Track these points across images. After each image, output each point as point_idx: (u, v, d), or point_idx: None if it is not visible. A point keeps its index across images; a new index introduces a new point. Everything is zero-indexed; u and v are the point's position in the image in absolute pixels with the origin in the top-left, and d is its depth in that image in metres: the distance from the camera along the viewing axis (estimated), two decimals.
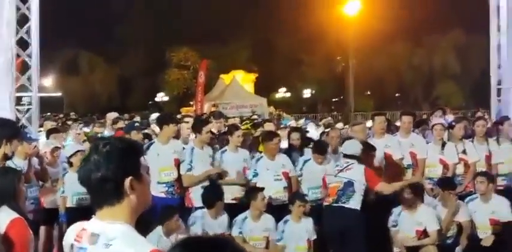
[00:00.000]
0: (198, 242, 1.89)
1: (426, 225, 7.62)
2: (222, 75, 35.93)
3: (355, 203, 7.58)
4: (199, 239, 1.93)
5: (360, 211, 7.60)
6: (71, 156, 8.06)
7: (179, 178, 8.16)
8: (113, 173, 2.37)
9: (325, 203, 7.89)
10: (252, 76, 39.83)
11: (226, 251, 1.82)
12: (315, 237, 7.77)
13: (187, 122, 9.09)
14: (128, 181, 2.39)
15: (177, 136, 8.72)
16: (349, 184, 7.59)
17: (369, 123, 10.36)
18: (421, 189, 7.93)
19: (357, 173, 7.64)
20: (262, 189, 7.74)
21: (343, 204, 7.57)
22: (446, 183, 8.17)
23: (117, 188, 2.39)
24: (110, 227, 2.37)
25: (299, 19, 39.84)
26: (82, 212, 5.56)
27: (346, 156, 7.86)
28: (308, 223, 7.72)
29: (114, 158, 2.39)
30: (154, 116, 9.89)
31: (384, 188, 7.72)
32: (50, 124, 11.95)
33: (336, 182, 7.69)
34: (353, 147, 7.89)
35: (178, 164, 8.17)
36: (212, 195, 7.58)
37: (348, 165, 7.72)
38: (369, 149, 8.19)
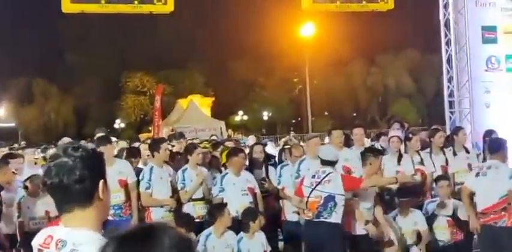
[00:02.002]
0: (131, 232, 1.73)
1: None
2: (179, 100, 35.88)
3: (337, 216, 7.30)
4: (132, 229, 1.76)
5: (340, 224, 7.35)
6: (26, 180, 7.90)
7: (128, 199, 8.09)
8: (90, 173, 2.40)
9: (305, 218, 7.60)
10: (209, 100, 39.86)
11: (162, 238, 1.68)
12: (270, 248, 7.68)
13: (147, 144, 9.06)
14: (101, 183, 2.42)
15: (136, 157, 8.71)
16: (330, 198, 7.29)
17: (327, 140, 10.39)
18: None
19: (336, 184, 7.32)
20: (226, 204, 7.69)
21: (324, 220, 7.28)
22: (405, 192, 8.21)
23: (91, 188, 2.40)
24: (76, 233, 2.37)
25: (255, 42, 40.14)
26: None
27: (324, 162, 7.55)
28: (261, 236, 7.58)
29: (89, 160, 2.43)
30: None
31: (370, 183, 7.44)
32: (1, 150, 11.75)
33: (316, 197, 7.35)
34: (330, 153, 7.67)
35: (125, 185, 8.08)
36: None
37: (325, 176, 7.36)
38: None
